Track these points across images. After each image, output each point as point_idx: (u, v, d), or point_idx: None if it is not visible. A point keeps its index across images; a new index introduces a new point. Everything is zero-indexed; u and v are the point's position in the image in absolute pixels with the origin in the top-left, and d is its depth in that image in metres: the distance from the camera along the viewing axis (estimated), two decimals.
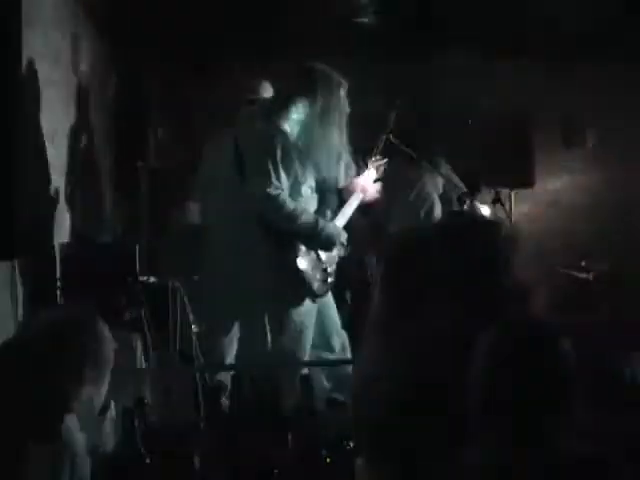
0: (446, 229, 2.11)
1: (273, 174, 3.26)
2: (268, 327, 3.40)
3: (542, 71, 6.70)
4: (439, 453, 1.69)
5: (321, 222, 3.46)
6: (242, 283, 3.38)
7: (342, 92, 3.52)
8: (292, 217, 3.32)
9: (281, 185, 3.27)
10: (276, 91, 3.52)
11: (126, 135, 5.62)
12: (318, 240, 3.43)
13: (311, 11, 5.15)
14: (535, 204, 6.55)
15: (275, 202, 3.26)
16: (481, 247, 1.97)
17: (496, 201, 4.91)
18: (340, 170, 3.60)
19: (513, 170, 5.50)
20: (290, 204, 3.30)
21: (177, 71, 5.78)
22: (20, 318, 3.05)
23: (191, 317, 4.89)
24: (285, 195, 3.29)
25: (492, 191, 5.17)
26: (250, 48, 6.03)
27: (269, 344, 3.41)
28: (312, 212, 3.45)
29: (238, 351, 3.66)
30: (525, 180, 5.97)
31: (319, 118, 3.38)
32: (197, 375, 3.54)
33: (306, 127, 3.37)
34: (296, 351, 3.40)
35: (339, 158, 3.53)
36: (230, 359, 4.19)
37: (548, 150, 6.62)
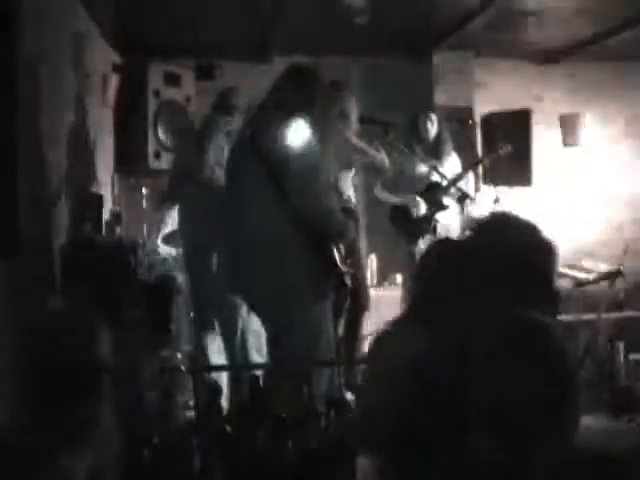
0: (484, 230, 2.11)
1: (312, 171, 3.27)
2: (294, 326, 3.40)
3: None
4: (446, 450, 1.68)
5: (345, 218, 3.50)
6: (274, 283, 3.37)
7: (345, 93, 3.56)
8: (329, 216, 3.33)
9: (318, 181, 3.29)
10: (289, 90, 3.51)
11: (127, 135, 5.63)
12: (341, 236, 3.46)
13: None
14: (534, 204, 6.55)
15: (318, 200, 3.27)
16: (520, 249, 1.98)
17: (496, 201, 4.92)
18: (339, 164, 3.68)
19: (513, 169, 5.50)
20: (328, 202, 3.32)
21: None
22: (20, 318, 3.04)
23: (192, 317, 4.92)
24: (323, 192, 3.30)
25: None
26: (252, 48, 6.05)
27: (295, 344, 3.40)
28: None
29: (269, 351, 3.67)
30: (524, 179, 5.99)
31: (325, 117, 3.41)
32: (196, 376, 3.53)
33: (317, 124, 3.39)
34: (316, 350, 3.40)
35: (343, 155, 3.61)
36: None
37: (548, 150, 6.63)
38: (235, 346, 4.33)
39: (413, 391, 1.99)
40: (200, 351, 4.47)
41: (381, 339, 2.42)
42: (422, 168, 5.14)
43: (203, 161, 4.29)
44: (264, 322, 3.64)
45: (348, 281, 3.49)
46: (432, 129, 5.23)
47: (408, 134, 5.27)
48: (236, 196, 3.47)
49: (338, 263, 3.38)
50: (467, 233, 2.14)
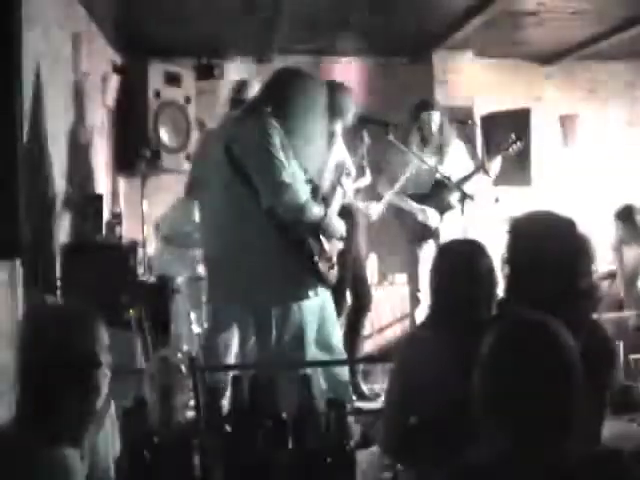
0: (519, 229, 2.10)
1: (281, 165, 3.27)
2: (274, 324, 3.40)
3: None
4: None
5: (327, 215, 3.49)
6: (251, 278, 3.37)
7: (327, 92, 3.56)
8: (303, 209, 3.33)
9: (290, 175, 3.29)
10: (264, 90, 3.54)
11: (127, 135, 5.63)
12: (323, 232, 3.45)
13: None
14: (533, 203, 6.55)
15: (289, 193, 3.26)
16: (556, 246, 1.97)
17: (496, 201, 4.91)
18: (325, 163, 3.67)
19: (512, 169, 5.49)
20: (302, 195, 3.31)
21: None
22: (20, 318, 3.05)
23: (192, 317, 4.91)
24: (296, 186, 3.30)
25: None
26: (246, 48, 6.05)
27: (274, 341, 3.40)
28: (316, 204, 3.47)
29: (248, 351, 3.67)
30: (523, 179, 5.98)
31: (306, 115, 3.41)
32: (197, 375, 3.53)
33: (294, 122, 3.40)
34: (299, 349, 3.40)
35: (325, 152, 3.61)
36: (231, 359, 4.20)
37: (548, 150, 6.64)
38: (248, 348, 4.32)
39: (439, 394, 1.99)
40: (210, 351, 4.45)
41: (407, 342, 2.42)
42: (425, 166, 5.10)
43: None
44: (252, 319, 3.65)
45: (330, 278, 3.47)
46: (435, 122, 5.16)
47: (412, 129, 5.19)
48: (214, 194, 3.49)
49: (316, 260, 3.37)
50: (505, 232, 2.13)
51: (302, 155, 3.42)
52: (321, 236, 3.46)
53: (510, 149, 5.15)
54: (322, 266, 3.42)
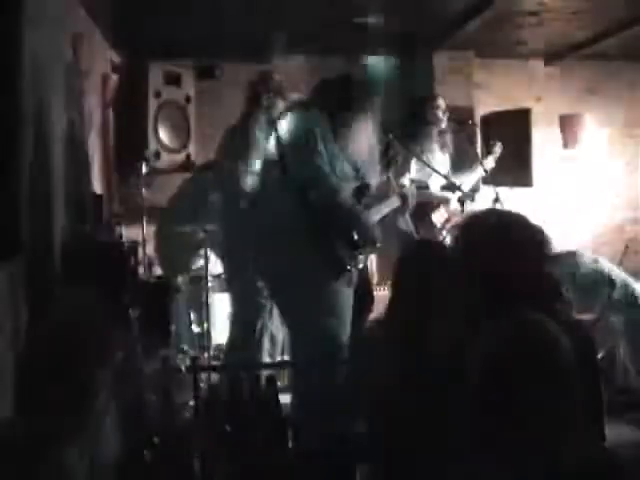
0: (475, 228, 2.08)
1: (318, 152, 3.30)
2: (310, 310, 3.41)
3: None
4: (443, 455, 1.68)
5: (363, 214, 3.51)
6: (281, 269, 3.40)
7: (376, 98, 3.61)
8: (334, 198, 3.34)
9: (324, 162, 3.31)
10: (318, 89, 3.58)
11: (127, 135, 5.62)
12: (354, 229, 3.46)
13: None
14: (534, 204, 6.55)
15: (323, 179, 3.29)
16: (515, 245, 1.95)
17: (496, 201, 4.90)
18: (372, 167, 3.70)
19: (513, 169, 5.48)
20: (332, 180, 3.33)
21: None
22: (20, 318, 3.05)
23: (192, 316, 4.92)
24: (333, 177, 3.32)
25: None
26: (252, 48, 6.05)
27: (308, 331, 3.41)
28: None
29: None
30: (525, 180, 5.98)
31: (359, 115, 3.46)
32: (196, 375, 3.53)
33: (346, 121, 3.44)
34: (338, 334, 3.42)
35: (372, 155, 3.63)
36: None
37: (548, 150, 6.64)
38: (249, 344, 4.32)
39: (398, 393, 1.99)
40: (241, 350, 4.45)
41: (363, 338, 2.42)
42: (427, 169, 5.06)
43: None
44: (283, 309, 3.67)
45: (352, 272, 3.49)
46: (442, 115, 5.07)
47: (413, 123, 5.11)
48: (264, 189, 3.55)
49: (340, 255, 3.39)
50: (453, 234, 2.12)
51: (352, 153, 3.45)
52: (353, 234, 3.46)
53: (493, 152, 5.15)
54: (348, 262, 3.43)
